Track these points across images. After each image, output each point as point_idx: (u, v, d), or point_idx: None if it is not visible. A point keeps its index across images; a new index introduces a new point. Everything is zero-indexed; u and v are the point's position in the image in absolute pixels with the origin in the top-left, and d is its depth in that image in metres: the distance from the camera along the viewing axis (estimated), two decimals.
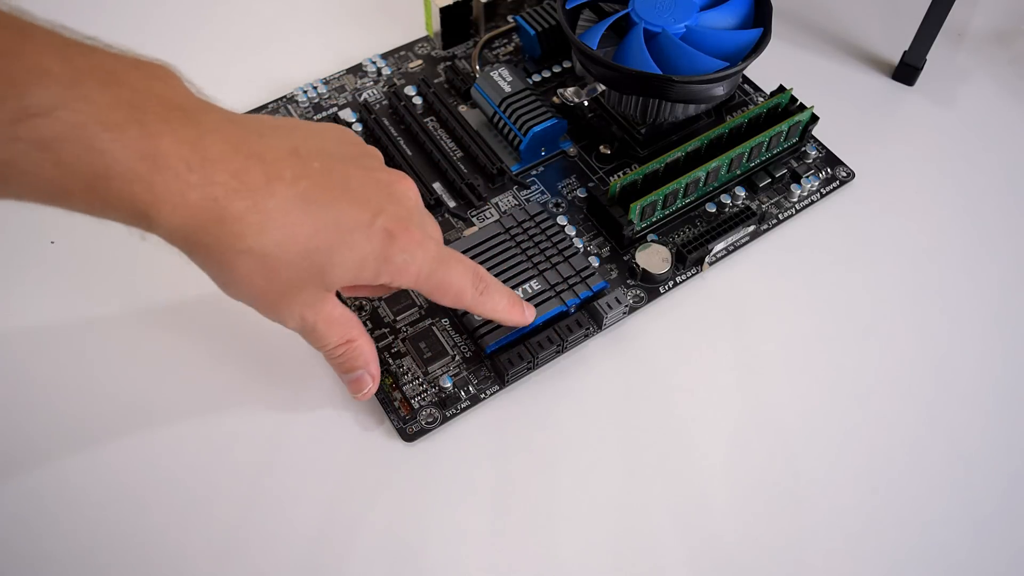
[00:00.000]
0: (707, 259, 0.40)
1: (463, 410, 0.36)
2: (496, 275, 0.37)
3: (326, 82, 0.47)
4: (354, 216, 0.29)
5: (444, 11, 0.47)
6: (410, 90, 0.46)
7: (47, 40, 0.25)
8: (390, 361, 0.37)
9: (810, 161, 0.44)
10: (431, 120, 0.45)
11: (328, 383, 0.37)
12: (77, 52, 0.25)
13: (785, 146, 0.43)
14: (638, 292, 0.39)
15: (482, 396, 0.36)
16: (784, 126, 0.42)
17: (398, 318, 0.38)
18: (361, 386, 0.34)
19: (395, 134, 0.44)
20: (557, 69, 0.48)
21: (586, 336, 0.38)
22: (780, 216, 0.42)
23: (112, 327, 0.38)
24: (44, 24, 0.25)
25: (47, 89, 0.23)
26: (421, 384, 0.36)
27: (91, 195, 0.25)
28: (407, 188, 0.31)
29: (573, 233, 0.40)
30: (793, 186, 0.43)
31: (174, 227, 0.26)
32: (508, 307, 0.34)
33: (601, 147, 0.44)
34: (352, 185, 0.29)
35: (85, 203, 0.25)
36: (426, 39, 0.50)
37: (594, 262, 0.40)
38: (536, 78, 0.47)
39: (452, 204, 0.42)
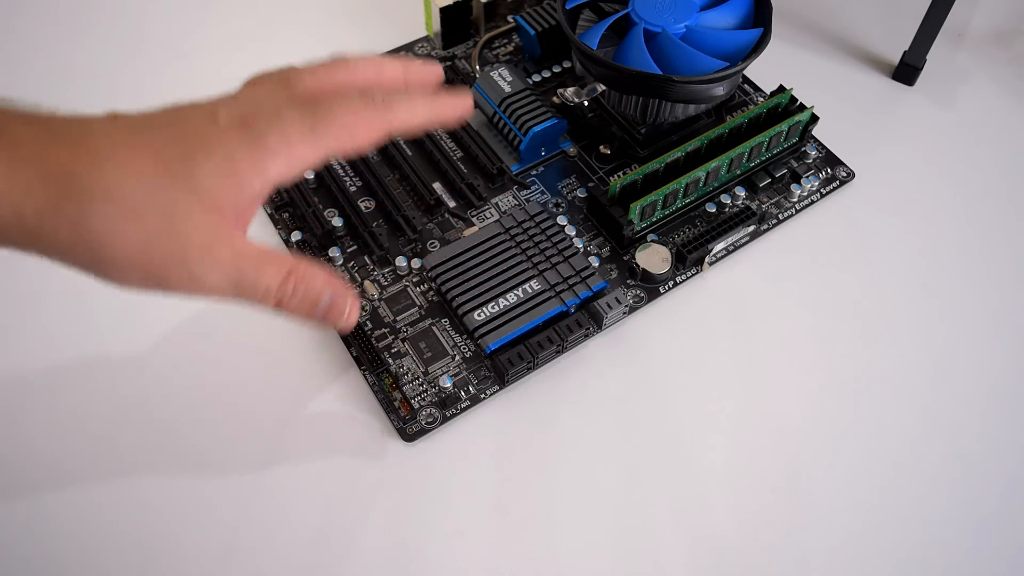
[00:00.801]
0: (707, 259, 0.40)
1: (463, 410, 0.36)
2: (496, 275, 0.37)
3: None
4: (192, 124, 0.26)
5: (444, 11, 0.47)
6: None
7: None
8: (390, 361, 0.37)
9: (810, 161, 0.44)
10: None
11: (328, 383, 0.37)
12: None
13: (785, 146, 0.43)
14: (638, 292, 0.39)
15: (482, 396, 0.36)
16: (784, 126, 0.42)
17: (398, 318, 0.38)
18: (339, 310, 0.28)
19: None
20: (557, 69, 0.48)
21: (586, 336, 0.38)
22: (780, 216, 0.42)
23: (112, 327, 0.38)
24: None
25: None
26: (421, 384, 0.36)
27: None
28: (237, 93, 0.28)
29: (573, 233, 0.40)
30: (793, 186, 0.43)
31: (4, 216, 0.23)
32: (428, 106, 0.29)
33: (601, 147, 0.44)
34: (176, 108, 0.27)
35: None
36: (426, 39, 0.50)
37: (594, 262, 0.40)
38: (536, 78, 0.47)
39: (452, 204, 0.42)
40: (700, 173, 0.40)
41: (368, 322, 0.38)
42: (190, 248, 0.25)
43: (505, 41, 0.49)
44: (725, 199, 0.42)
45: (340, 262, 0.40)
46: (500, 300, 0.37)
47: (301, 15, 0.52)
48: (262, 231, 0.41)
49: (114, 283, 0.25)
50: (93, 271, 0.25)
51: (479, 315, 0.36)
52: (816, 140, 0.45)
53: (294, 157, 0.26)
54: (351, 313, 0.29)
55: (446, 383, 0.35)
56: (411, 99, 0.29)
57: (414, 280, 0.39)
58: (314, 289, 0.28)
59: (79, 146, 0.24)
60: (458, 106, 0.30)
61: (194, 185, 0.25)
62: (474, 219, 0.42)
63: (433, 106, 0.30)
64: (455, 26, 0.48)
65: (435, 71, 0.32)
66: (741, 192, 0.42)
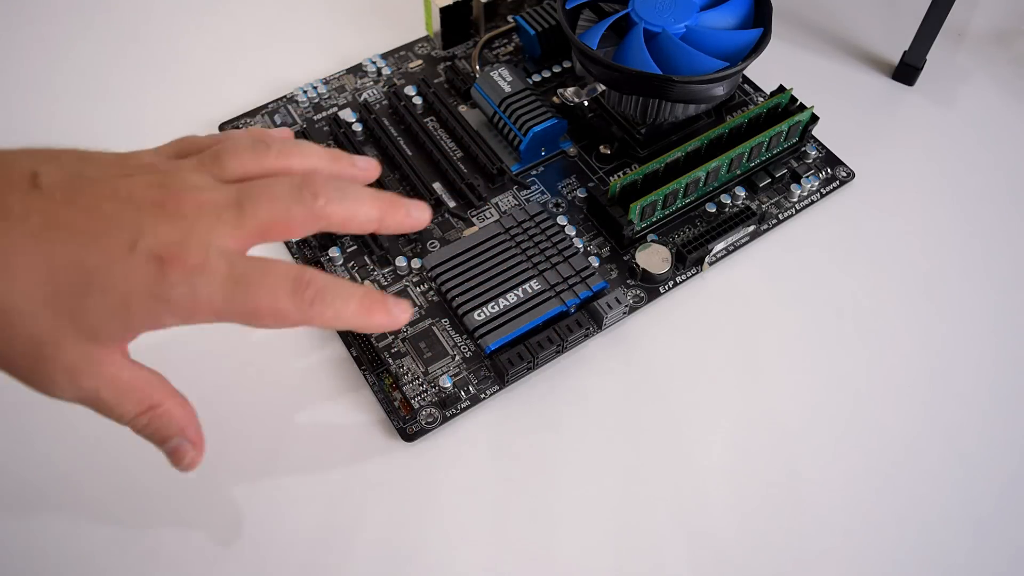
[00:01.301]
0: (707, 259, 0.40)
1: (463, 410, 0.36)
2: (496, 275, 0.37)
3: (326, 82, 0.47)
4: (104, 249, 0.24)
5: (444, 11, 0.47)
6: (410, 90, 0.46)
7: None
8: (390, 361, 0.37)
9: (810, 161, 0.44)
10: (431, 120, 0.45)
11: (328, 383, 0.37)
12: None
13: (785, 146, 0.43)
14: (638, 292, 0.39)
15: (482, 396, 0.36)
16: (784, 126, 0.42)
17: None
18: (180, 456, 0.28)
19: (395, 134, 0.44)
20: (557, 69, 0.48)
21: (586, 336, 0.38)
22: (780, 216, 0.42)
23: None
24: None
25: None
26: (421, 384, 0.36)
27: None
28: (186, 197, 0.25)
29: (573, 233, 0.40)
30: (793, 186, 0.43)
31: None
32: (359, 312, 0.27)
33: (601, 147, 0.44)
34: (105, 208, 0.24)
35: None
36: (426, 39, 0.50)
37: (594, 262, 0.40)
38: (536, 78, 0.47)
39: (452, 204, 0.42)
40: (700, 173, 0.40)
41: None
42: (53, 372, 0.25)
43: (505, 41, 0.49)
44: (725, 199, 0.42)
45: (340, 262, 0.40)
46: (500, 300, 0.37)
47: (301, 15, 0.52)
48: None
49: None
50: None
51: (479, 315, 0.36)
52: (816, 140, 0.45)
53: (192, 318, 0.25)
54: (190, 463, 0.28)
55: (446, 383, 0.35)
56: (346, 297, 0.27)
57: (414, 280, 0.39)
58: (166, 431, 0.27)
59: None
60: (397, 318, 0.28)
61: (79, 318, 0.24)
62: (474, 219, 0.42)
63: (364, 311, 0.27)
64: (455, 26, 0.48)
65: (418, 223, 0.29)
66: (741, 192, 0.42)
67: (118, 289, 0.24)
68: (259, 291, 0.25)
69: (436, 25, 0.48)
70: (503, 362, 0.35)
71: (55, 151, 0.26)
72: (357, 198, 0.27)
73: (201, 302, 0.25)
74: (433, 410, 0.36)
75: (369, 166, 0.30)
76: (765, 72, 0.47)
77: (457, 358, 0.37)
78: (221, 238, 0.25)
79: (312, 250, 0.40)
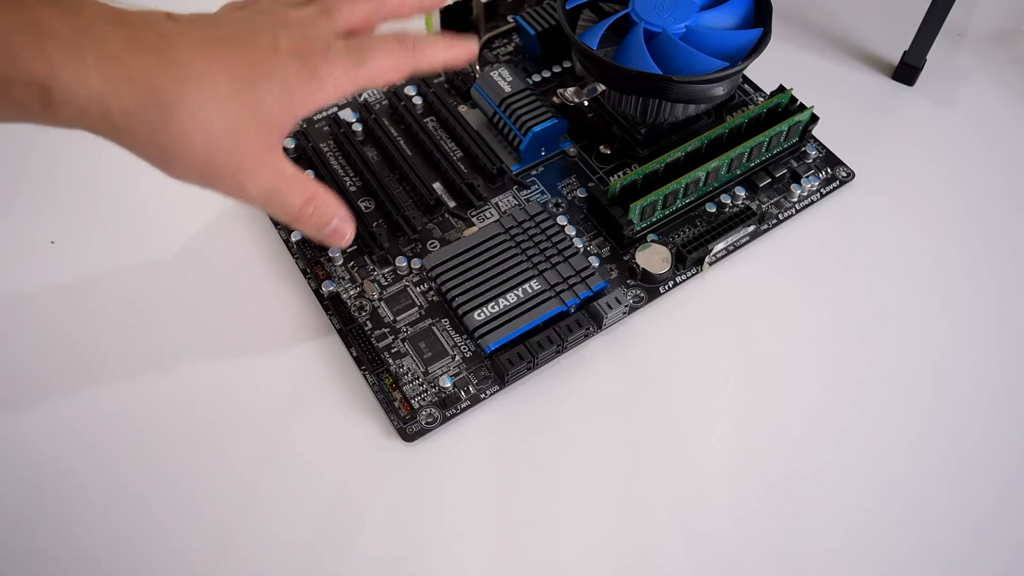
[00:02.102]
0: (707, 259, 0.40)
1: (463, 410, 0.36)
2: (496, 275, 0.37)
3: None
4: (257, 48, 0.29)
5: (444, 11, 0.47)
6: (410, 90, 0.46)
7: None
8: (390, 361, 0.37)
9: (810, 161, 0.44)
10: (431, 120, 0.45)
11: (328, 383, 0.37)
12: None
13: (785, 146, 0.43)
14: (638, 292, 0.39)
15: (482, 396, 0.36)
16: (784, 126, 0.42)
17: (398, 318, 0.38)
18: (342, 235, 0.33)
19: (395, 134, 0.44)
20: (557, 69, 0.48)
21: (586, 336, 0.38)
22: (780, 216, 0.42)
23: (112, 327, 0.38)
24: None
25: None
26: (421, 384, 0.36)
27: None
28: (285, 14, 0.31)
29: (573, 233, 0.40)
30: (793, 186, 0.43)
31: (84, 97, 0.25)
32: (446, 48, 0.34)
33: (601, 147, 0.44)
34: (238, 24, 0.30)
35: None
36: None
37: (594, 262, 0.40)
38: (536, 78, 0.47)
39: (452, 204, 0.42)
40: (700, 173, 0.40)
41: (368, 322, 0.38)
42: (244, 162, 0.29)
43: (505, 41, 0.49)
44: (725, 199, 0.42)
45: (340, 262, 0.40)
46: (500, 300, 0.37)
47: None
48: (262, 231, 0.42)
49: (171, 176, 0.29)
50: (157, 165, 0.28)
51: (479, 315, 0.36)
52: (816, 140, 0.45)
53: (338, 89, 0.30)
54: (349, 237, 0.33)
55: (446, 383, 0.35)
56: (433, 43, 0.33)
57: (414, 280, 0.39)
58: (327, 215, 0.32)
59: (163, 56, 0.27)
60: (468, 48, 0.35)
61: (257, 107, 0.28)
62: (474, 219, 0.42)
63: (448, 49, 0.34)
64: (455, 26, 0.48)
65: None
66: (741, 192, 0.42)
67: (277, 76, 0.29)
68: (376, 51, 0.31)
69: (436, 25, 0.48)
70: (503, 362, 0.35)
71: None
72: (436, 46, 0.34)
73: (338, 74, 0.30)
74: (433, 410, 0.36)
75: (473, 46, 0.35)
76: (765, 72, 0.47)
77: (457, 358, 0.37)
78: (326, 34, 0.31)
79: (312, 250, 0.40)
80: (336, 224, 0.32)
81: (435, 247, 0.41)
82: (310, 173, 0.42)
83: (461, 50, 0.34)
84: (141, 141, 0.27)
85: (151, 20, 0.28)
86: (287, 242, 0.41)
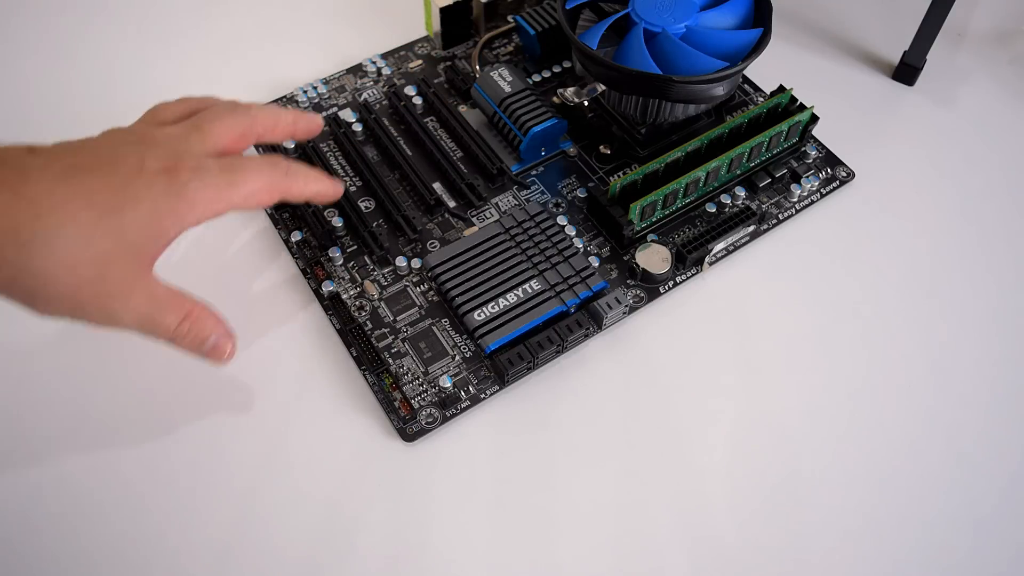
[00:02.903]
0: (707, 259, 0.40)
1: (463, 410, 0.36)
2: (496, 275, 0.37)
3: (326, 82, 0.47)
4: (122, 172, 0.28)
5: (444, 11, 0.47)
6: (410, 90, 0.46)
7: None
8: (390, 361, 0.37)
9: (810, 161, 0.44)
10: (431, 120, 0.45)
11: (328, 383, 0.37)
12: None
13: (785, 146, 0.43)
14: (638, 292, 0.39)
15: (482, 396, 0.36)
16: (784, 126, 0.42)
17: (398, 318, 0.38)
18: (222, 351, 0.32)
19: (395, 134, 0.44)
20: (557, 69, 0.48)
21: (586, 336, 0.38)
22: (780, 216, 0.42)
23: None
24: None
25: None
26: (421, 384, 0.36)
27: None
28: (154, 133, 0.30)
29: (573, 233, 0.40)
30: (793, 186, 0.43)
31: None
32: (317, 180, 0.34)
33: (601, 147, 0.44)
34: (101, 150, 0.29)
35: None
36: (426, 39, 0.50)
37: (594, 262, 0.40)
38: (536, 78, 0.47)
39: (452, 204, 0.42)
40: (700, 173, 0.40)
41: (368, 322, 0.38)
42: (112, 292, 0.28)
43: (505, 41, 0.49)
44: (725, 199, 0.42)
45: (340, 262, 0.40)
46: (500, 300, 0.37)
47: (301, 15, 0.52)
48: (262, 231, 0.42)
49: (40, 313, 0.28)
50: (24, 305, 0.28)
51: (479, 315, 0.36)
52: (816, 140, 0.45)
53: (209, 209, 0.30)
54: (231, 352, 0.32)
55: (446, 383, 0.35)
56: (306, 172, 0.34)
57: (414, 280, 0.39)
58: (204, 331, 0.31)
59: (19, 194, 0.26)
60: (336, 189, 0.36)
61: (123, 235, 0.28)
62: (474, 219, 0.42)
63: (319, 182, 0.34)
64: (455, 26, 0.48)
65: (318, 124, 0.37)
66: (741, 192, 0.42)
67: (144, 200, 0.28)
68: (249, 173, 0.31)
69: (436, 25, 0.48)
70: (503, 362, 0.35)
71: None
72: (276, 108, 0.35)
73: (210, 193, 0.29)
74: (433, 410, 0.36)
75: (317, 124, 0.36)
76: (765, 72, 0.47)
77: (457, 358, 0.37)
78: (198, 152, 0.30)
79: (312, 250, 0.40)
80: (214, 340, 0.31)
81: (435, 247, 0.41)
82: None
83: (330, 188, 0.35)
84: (4, 283, 0.27)
85: (8, 157, 0.27)
86: (287, 242, 0.41)
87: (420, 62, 0.48)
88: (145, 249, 0.29)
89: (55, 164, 0.27)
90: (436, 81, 0.47)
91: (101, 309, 0.28)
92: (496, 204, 0.42)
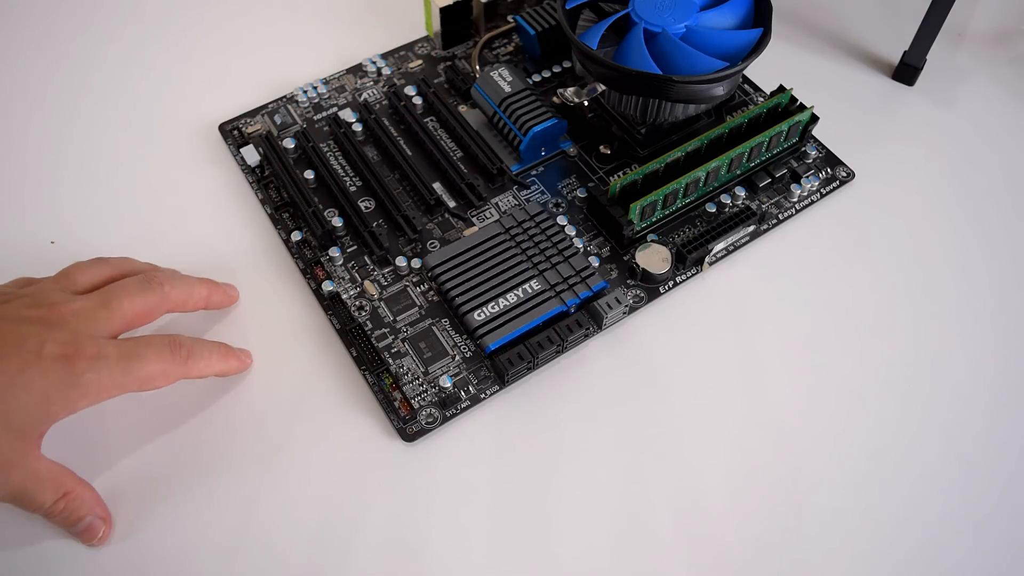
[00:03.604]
0: (707, 259, 0.40)
1: (463, 410, 0.36)
2: (496, 275, 0.37)
3: (326, 82, 0.47)
4: (18, 359, 0.29)
5: (444, 11, 0.47)
6: (410, 90, 0.46)
7: None
8: (390, 361, 0.37)
9: (810, 161, 0.44)
10: (431, 120, 0.45)
11: (328, 383, 0.37)
12: None
13: (785, 146, 0.43)
14: (638, 292, 0.39)
15: (482, 396, 0.36)
16: (784, 126, 0.42)
17: (398, 318, 0.38)
18: (94, 533, 0.32)
19: (395, 134, 0.44)
20: (557, 69, 0.48)
21: (586, 336, 0.38)
22: (780, 216, 0.42)
23: None
24: None
25: None
26: (421, 384, 0.36)
27: None
28: (60, 309, 0.31)
29: (573, 233, 0.40)
30: (793, 186, 0.43)
31: None
32: (220, 359, 0.35)
33: (601, 147, 0.44)
34: (5, 324, 0.30)
35: None
36: (426, 39, 0.50)
37: (594, 262, 0.40)
38: (536, 78, 0.47)
39: (452, 204, 0.42)
40: (700, 173, 0.40)
41: (368, 322, 0.38)
42: None
43: (505, 41, 0.49)
44: (725, 199, 0.42)
45: (340, 262, 0.40)
46: (500, 300, 0.37)
47: (301, 15, 0.52)
48: (263, 232, 0.42)
49: None
50: None
51: (479, 315, 0.36)
52: (816, 140, 0.45)
53: (99, 396, 0.31)
54: (103, 536, 0.32)
55: (446, 383, 0.35)
56: (208, 352, 0.34)
57: (414, 280, 0.39)
58: (78, 511, 0.31)
59: None
60: (241, 363, 0.36)
61: (6, 419, 0.29)
62: (474, 219, 0.42)
63: (223, 360, 0.35)
64: (455, 26, 0.48)
65: (234, 297, 0.38)
66: (741, 192, 0.42)
67: (37, 387, 0.29)
68: (147, 360, 0.32)
69: (436, 25, 0.48)
70: (503, 362, 0.35)
71: None
72: (190, 282, 0.36)
73: (104, 381, 0.31)
74: (433, 410, 0.36)
75: (231, 300, 0.38)
76: (765, 72, 0.47)
77: (457, 358, 0.37)
78: (102, 332, 0.32)
79: (312, 250, 0.40)
80: (88, 522, 0.32)
81: (435, 247, 0.41)
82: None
83: (235, 363, 0.36)
84: None
85: None
86: (287, 242, 0.41)
87: (420, 62, 0.48)
88: (30, 430, 0.30)
89: None
90: (436, 81, 0.47)
91: None
92: (496, 204, 0.42)
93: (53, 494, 0.31)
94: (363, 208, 0.42)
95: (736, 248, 0.41)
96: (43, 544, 0.32)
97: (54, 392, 0.30)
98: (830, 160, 0.44)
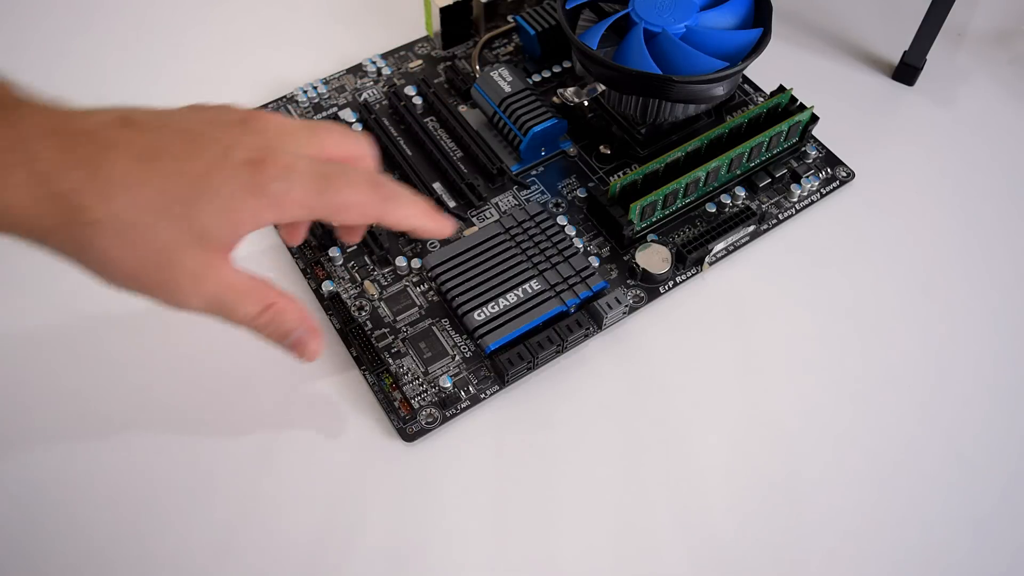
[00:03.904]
0: (707, 259, 0.40)
1: (463, 410, 0.36)
2: (496, 275, 0.37)
3: (326, 82, 0.47)
4: (206, 158, 0.27)
5: (444, 11, 0.47)
6: (410, 90, 0.46)
7: None
8: (390, 361, 0.37)
9: (810, 161, 0.44)
10: (431, 120, 0.45)
11: (328, 383, 0.37)
12: None
13: (785, 146, 0.43)
14: (638, 292, 0.39)
15: (482, 396, 0.36)
16: (784, 126, 0.42)
17: (398, 318, 0.38)
18: (304, 346, 0.31)
19: (395, 134, 0.44)
20: (557, 69, 0.48)
21: (586, 336, 0.38)
22: (780, 216, 0.42)
23: (111, 327, 0.38)
24: None
25: None
26: (421, 384, 0.36)
27: None
28: (265, 118, 0.29)
29: (573, 233, 0.40)
30: (793, 186, 0.43)
31: (10, 213, 0.25)
32: (423, 213, 0.31)
33: (601, 147, 0.44)
34: (196, 131, 0.28)
35: None
36: (426, 39, 0.50)
37: (594, 262, 0.40)
38: (536, 78, 0.47)
39: (452, 204, 0.42)
40: (700, 173, 0.40)
41: (368, 322, 0.38)
42: (179, 279, 0.27)
43: (505, 41, 0.49)
44: (725, 199, 0.42)
45: (340, 262, 0.40)
46: (500, 300, 0.37)
47: (301, 14, 0.52)
48: (263, 231, 0.41)
49: (106, 285, 0.28)
50: (92, 276, 0.27)
51: (479, 315, 0.36)
52: (816, 140, 0.45)
53: (288, 213, 0.28)
54: (315, 350, 0.31)
55: (446, 383, 0.35)
56: (411, 202, 0.31)
57: (414, 280, 0.39)
58: (285, 324, 0.30)
59: (94, 172, 0.26)
60: (444, 227, 0.33)
61: (192, 223, 0.27)
62: (474, 219, 0.42)
63: (424, 217, 0.32)
64: (455, 26, 0.48)
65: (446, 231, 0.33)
66: (741, 192, 0.42)
67: (222, 191, 0.27)
68: (344, 186, 0.29)
69: (436, 25, 0.48)
70: (503, 362, 0.35)
71: (131, 107, 0.28)
72: (413, 205, 0.31)
73: (295, 195, 0.28)
74: (433, 410, 0.36)
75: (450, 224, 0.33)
76: (765, 72, 0.47)
77: (457, 358, 0.37)
78: (303, 150, 0.29)
79: (312, 250, 0.40)
80: (298, 335, 0.30)
81: (435, 247, 0.41)
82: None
83: (435, 225, 0.32)
84: (71, 256, 0.27)
85: (97, 126, 0.26)
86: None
87: (420, 62, 0.48)
88: (216, 239, 0.27)
89: (138, 141, 0.26)
90: (436, 81, 0.47)
91: (167, 294, 0.28)
92: (496, 204, 0.42)
93: (255, 305, 0.29)
94: None
95: (736, 248, 0.41)
96: (42, 542, 0.32)
97: (240, 200, 0.27)
98: (830, 160, 0.44)
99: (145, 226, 0.26)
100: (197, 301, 0.28)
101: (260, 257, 0.41)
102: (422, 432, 0.35)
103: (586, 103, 0.44)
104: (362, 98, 0.46)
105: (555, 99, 0.46)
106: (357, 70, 0.48)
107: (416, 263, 0.40)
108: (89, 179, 0.25)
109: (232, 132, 0.28)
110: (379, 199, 0.30)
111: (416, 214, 0.31)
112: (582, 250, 0.40)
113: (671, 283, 0.40)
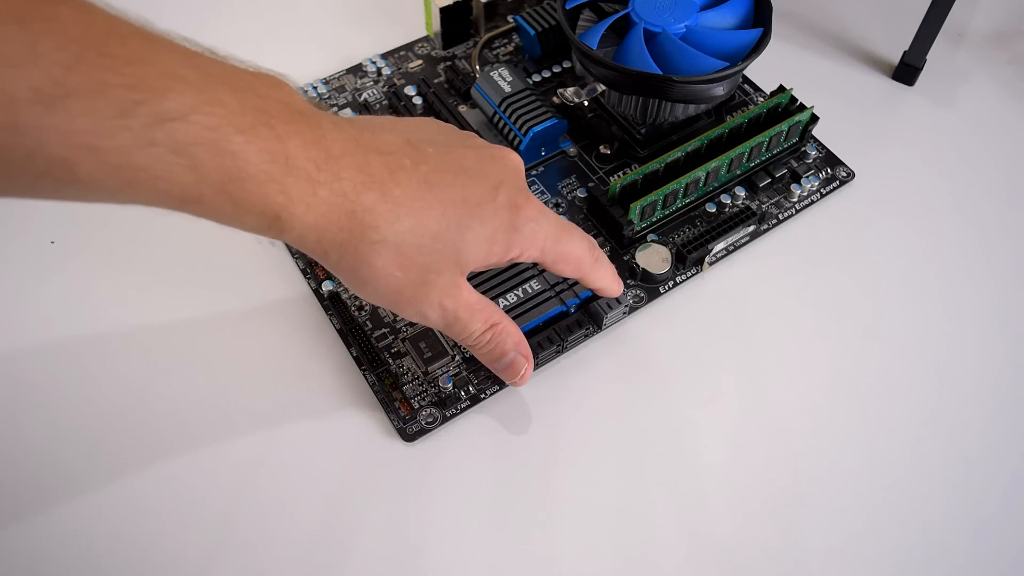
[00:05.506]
0: (707, 259, 0.40)
1: (463, 410, 0.36)
2: (496, 275, 0.37)
3: (326, 82, 0.47)
4: (478, 192, 0.29)
5: (444, 11, 0.47)
6: (410, 90, 0.46)
7: (174, 49, 0.25)
8: (390, 361, 0.37)
9: (810, 161, 0.44)
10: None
11: (328, 383, 0.37)
12: (204, 60, 0.25)
13: (785, 146, 0.43)
14: (638, 292, 0.39)
15: (482, 396, 0.36)
16: (784, 126, 0.42)
17: (398, 318, 0.38)
18: (516, 370, 0.33)
19: None
20: (557, 69, 0.48)
21: (586, 336, 0.38)
22: (780, 216, 0.42)
23: (112, 327, 0.38)
24: (164, 34, 0.26)
25: (182, 94, 0.23)
26: (421, 384, 0.36)
27: (223, 199, 0.24)
28: (516, 160, 0.32)
29: None
30: (793, 186, 0.43)
31: (307, 227, 0.26)
32: (612, 278, 0.35)
33: (601, 147, 0.44)
34: (467, 164, 0.30)
35: (216, 208, 0.25)
36: (426, 39, 0.50)
37: None
38: (536, 78, 0.47)
39: None
40: (700, 173, 0.40)
41: (368, 322, 0.38)
42: (431, 296, 0.29)
43: (505, 41, 0.49)
44: (725, 199, 0.42)
45: None
46: (500, 300, 0.37)
47: (301, 14, 0.52)
48: None
49: (357, 294, 0.31)
50: (348, 286, 0.29)
51: None
52: (816, 140, 0.45)
53: (527, 253, 0.31)
54: (524, 376, 0.34)
55: (446, 383, 0.35)
56: (609, 269, 0.35)
57: None
58: (504, 346, 0.33)
59: (386, 194, 0.27)
60: (616, 290, 0.36)
61: (457, 248, 0.29)
62: None
63: (616, 280, 0.36)
64: (455, 26, 0.48)
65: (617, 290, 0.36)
66: (741, 192, 0.42)
67: (489, 223, 0.29)
68: (574, 240, 0.33)
69: (436, 25, 0.48)
70: None
71: (394, 118, 0.31)
72: (608, 271, 0.35)
73: (539, 239, 0.31)
74: (433, 410, 0.36)
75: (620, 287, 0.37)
76: (765, 72, 0.47)
77: (457, 358, 0.37)
78: (541, 242, 0.31)
79: None
80: (512, 357, 0.33)
81: None
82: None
83: (619, 289, 0.36)
84: (344, 268, 0.28)
85: (388, 146, 0.28)
86: (287, 245, 0.41)
87: (420, 62, 0.48)
88: (469, 263, 0.30)
89: (424, 165, 0.28)
90: (436, 81, 0.47)
91: (416, 309, 0.30)
92: None
93: (483, 324, 0.31)
94: None
95: (736, 248, 0.41)
96: (41, 543, 0.32)
97: (500, 235, 0.30)
98: (830, 160, 0.44)
99: (421, 248, 0.28)
100: (436, 315, 0.30)
101: (260, 257, 0.41)
102: (422, 432, 0.35)
103: (586, 103, 0.44)
104: (362, 98, 0.46)
105: (555, 99, 0.46)
106: (357, 70, 0.48)
107: None
108: (381, 200, 0.27)
109: (497, 170, 0.31)
110: (592, 259, 0.33)
111: (611, 277, 0.35)
112: None
113: (671, 283, 0.40)
